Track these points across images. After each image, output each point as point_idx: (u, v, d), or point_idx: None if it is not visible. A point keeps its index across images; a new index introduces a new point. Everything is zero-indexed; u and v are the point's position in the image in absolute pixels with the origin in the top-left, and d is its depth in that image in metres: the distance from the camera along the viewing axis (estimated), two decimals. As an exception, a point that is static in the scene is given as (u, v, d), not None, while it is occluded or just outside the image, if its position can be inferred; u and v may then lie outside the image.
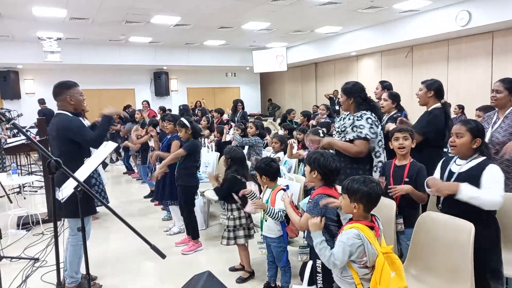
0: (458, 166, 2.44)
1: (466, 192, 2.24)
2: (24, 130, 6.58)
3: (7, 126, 6.84)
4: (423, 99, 3.52)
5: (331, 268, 2.08)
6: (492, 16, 7.69)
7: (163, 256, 1.82)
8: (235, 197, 3.36)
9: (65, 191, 2.31)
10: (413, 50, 10.61)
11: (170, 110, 11.76)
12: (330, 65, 13.95)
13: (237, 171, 3.41)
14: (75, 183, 2.12)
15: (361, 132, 3.10)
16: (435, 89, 3.46)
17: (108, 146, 2.67)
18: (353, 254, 1.96)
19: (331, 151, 3.37)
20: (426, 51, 10.25)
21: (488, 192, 2.21)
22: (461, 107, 7.96)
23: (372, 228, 2.03)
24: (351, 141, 3.14)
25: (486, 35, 8.72)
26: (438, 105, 3.47)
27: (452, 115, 4.75)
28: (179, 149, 4.46)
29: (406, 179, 2.76)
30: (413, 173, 2.76)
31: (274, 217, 2.88)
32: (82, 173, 2.51)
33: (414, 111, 4.31)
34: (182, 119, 4.13)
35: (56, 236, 1.75)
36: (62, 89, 3.19)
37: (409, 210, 2.77)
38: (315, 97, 14.82)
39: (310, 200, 2.48)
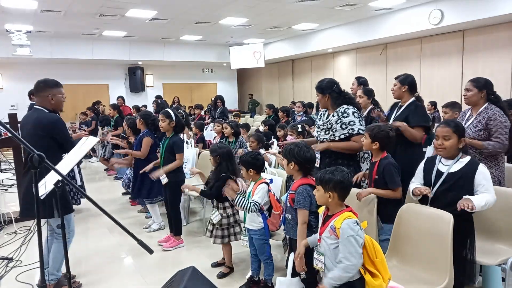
0: (446, 166, 2.51)
1: (479, 203, 2.31)
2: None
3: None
4: (397, 93, 3.64)
5: (356, 270, 2.02)
6: (464, 15, 7.96)
7: (150, 251, 1.80)
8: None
9: (44, 187, 2.23)
10: (387, 47, 10.85)
11: (145, 106, 11.59)
12: (307, 61, 14.07)
13: (227, 167, 3.36)
14: (55, 179, 2.06)
15: (352, 129, 3.14)
16: (408, 83, 3.60)
17: (88, 141, 2.59)
18: (363, 242, 2.00)
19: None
20: (400, 48, 10.50)
21: (487, 194, 2.35)
22: (433, 104, 8.19)
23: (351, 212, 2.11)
24: (343, 139, 3.17)
25: (458, 34, 9.02)
26: (413, 99, 3.60)
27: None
28: (150, 145, 4.44)
29: (376, 176, 2.83)
30: (381, 170, 2.80)
31: (245, 208, 2.93)
32: (63, 169, 2.43)
33: (387, 107, 4.42)
34: (169, 110, 4.07)
35: (39, 234, 1.70)
36: (46, 86, 3.12)
37: (389, 206, 2.77)
38: (292, 93, 14.92)
39: (292, 192, 2.50)
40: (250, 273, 3.28)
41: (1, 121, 1.50)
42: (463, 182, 2.41)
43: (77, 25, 9.89)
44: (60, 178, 1.86)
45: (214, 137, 6.29)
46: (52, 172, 2.21)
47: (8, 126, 1.55)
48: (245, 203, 2.95)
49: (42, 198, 2.32)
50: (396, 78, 3.70)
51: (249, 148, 5.05)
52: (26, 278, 3.45)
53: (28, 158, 1.56)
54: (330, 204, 2.12)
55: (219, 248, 3.67)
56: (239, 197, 2.98)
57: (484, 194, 2.35)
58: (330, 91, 3.28)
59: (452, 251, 2.24)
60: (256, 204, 2.93)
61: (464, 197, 2.34)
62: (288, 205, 2.58)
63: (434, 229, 2.34)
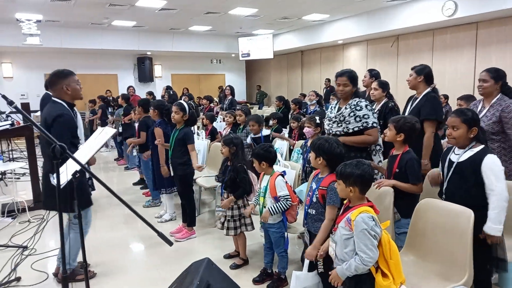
0: (457, 155, 2.47)
1: (493, 222, 2.28)
2: (5, 115, 6.20)
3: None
4: (412, 83, 3.58)
5: (373, 263, 2.00)
6: (477, 7, 7.80)
7: (170, 243, 1.79)
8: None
9: (62, 177, 2.23)
10: (398, 39, 10.70)
11: (154, 97, 11.56)
12: (316, 53, 13.94)
13: (243, 157, 3.39)
14: (73, 170, 2.06)
15: (367, 122, 3.11)
16: (425, 74, 3.53)
17: (105, 131, 2.58)
18: (377, 236, 1.97)
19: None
20: (411, 40, 10.35)
21: (495, 196, 2.27)
22: (446, 97, 8.08)
23: (371, 207, 2.07)
24: (357, 131, 3.15)
25: (471, 26, 8.85)
26: (429, 89, 3.53)
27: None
28: (161, 136, 4.41)
29: (397, 170, 2.78)
30: (403, 164, 2.75)
31: (282, 208, 2.91)
32: (80, 159, 2.42)
33: (398, 100, 4.39)
34: (183, 102, 4.06)
35: (61, 226, 1.70)
36: (58, 79, 3.05)
37: (406, 200, 2.73)
38: (300, 85, 14.83)
39: (323, 188, 2.47)
40: (263, 266, 3.29)
41: (22, 111, 1.49)
42: (470, 172, 2.35)
43: (86, 14, 9.87)
44: (78, 168, 1.86)
45: (224, 128, 6.26)
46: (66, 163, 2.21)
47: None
48: (279, 205, 2.91)
49: (63, 191, 2.32)
50: (412, 69, 3.64)
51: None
52: (41, 267, 3.48)
53: (51, 149, 1.55)
54: (352, 197, 2.11)
55: (230, 239, 3.67)
56: (271, 207, 2.94)
57: (492, 202, 2.28)
58: (356, 85, 3.28)
59: (475, 249, 2.19)
60: (287, 197, 2.91)
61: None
62: (315, 200, 2.53)
63: (454, 224, 2.29)
